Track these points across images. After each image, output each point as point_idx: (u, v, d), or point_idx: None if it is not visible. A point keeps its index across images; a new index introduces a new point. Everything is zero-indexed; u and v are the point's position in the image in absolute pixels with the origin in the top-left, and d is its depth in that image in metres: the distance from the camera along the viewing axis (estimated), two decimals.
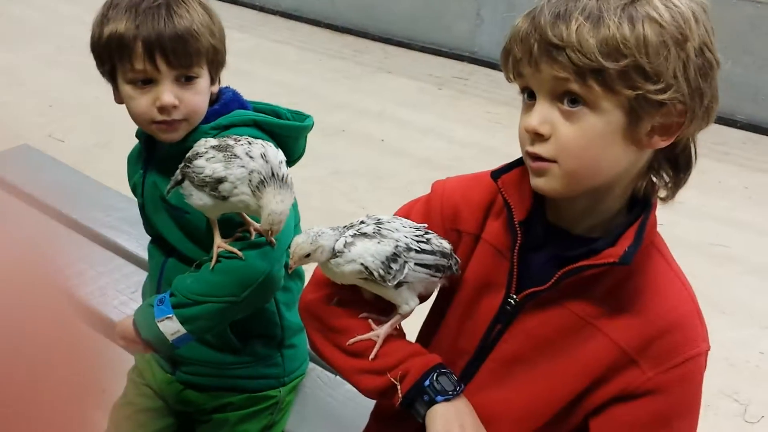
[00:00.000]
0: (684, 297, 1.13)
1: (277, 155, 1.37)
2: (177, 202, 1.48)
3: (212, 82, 1.53)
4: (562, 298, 1.13)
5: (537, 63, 1.03)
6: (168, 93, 1.44)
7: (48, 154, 3.00)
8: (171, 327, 1.46)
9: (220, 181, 1.34)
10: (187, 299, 1.46)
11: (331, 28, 6.54)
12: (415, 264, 1.18)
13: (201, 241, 1.54)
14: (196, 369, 1.68)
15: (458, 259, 1.23)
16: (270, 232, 1.35)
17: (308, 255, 1.18)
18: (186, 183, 1.40)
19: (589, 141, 1.03)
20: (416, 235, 1.19)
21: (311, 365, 1.85)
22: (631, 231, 1.08)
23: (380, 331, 1.22)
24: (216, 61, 1.51)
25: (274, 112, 1.59)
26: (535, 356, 1.16)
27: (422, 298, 1.27)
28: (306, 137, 1.61)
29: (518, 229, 1.15)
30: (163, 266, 1.63)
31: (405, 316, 1.24)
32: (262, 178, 1.33)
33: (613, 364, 1.11)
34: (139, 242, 2.24)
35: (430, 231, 1.23)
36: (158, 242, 1.65)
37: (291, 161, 1.61)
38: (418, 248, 1.18)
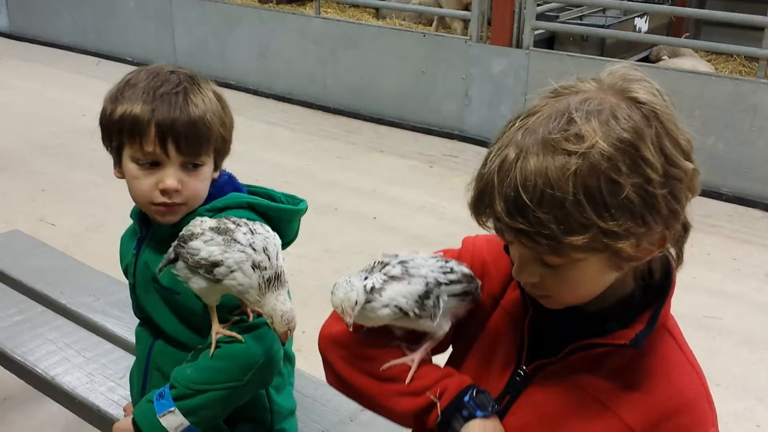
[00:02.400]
0: (694, 381, 1.13)
1: (277, 249, 1.37)
2: (168, 283, 1.48)
3: (215, 168, 1.55)
4: (572, 374, 1.14)
5: (509, 241, 1.07)
6: (172, 177, 1.46)
7: (39, 238, 3.01)
8: (174, 421, 1.43)
9: (216, 264, 1.34)
10: (188, 390, 1.44)
11: (323, 109, 6.67)
12: (448, 296, 1.21)
13: (191, 322, 1.53)
14: None
15: (479, 282, 1.25)
16: (288, 332, 1.36)
17: (356, 302, 1.18)
18: (180, 264, 1.40)
19: (575, 285, 1.08)
20: (440, 267, 1.22)
21: None
22: (646, 315, 1.10)
23: (415, 356, 1.23)
24: (223, 149, 1.54)
25: (269, 195, 1.60)
26: (542, 431, 1.15)
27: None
28: (299, 221, 1.63)
29: (529, 302, 1.18)
30: (151, 350, 1.62)
31: (438, 339, 1.26)
32: (271, 277, 1.34)
33: None
34: (128, 327, 2.23)
35: (448, 258, 1.25)
36: (146, 325, 1.64)
37: (284, 244, 1.62)
38: (446, 280, 1.21)
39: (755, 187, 4.92)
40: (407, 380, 1.21)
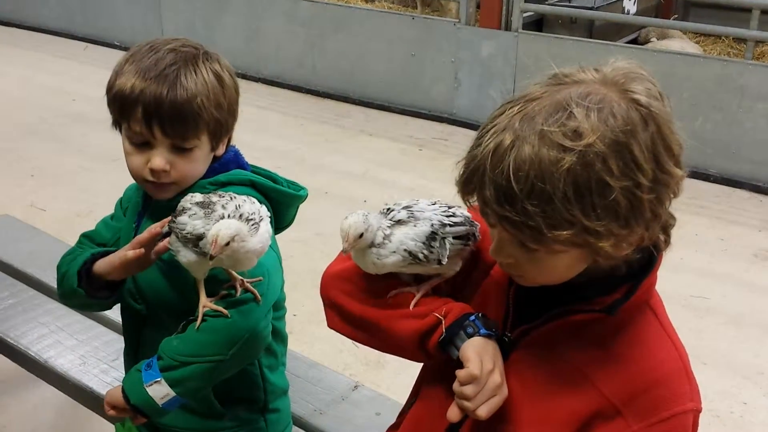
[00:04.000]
0: (673, 356, 1.15)
1: (253, 207, 1.37)
2: (168, 256, 1.49)
3: (213, 148, 1.53)
4: (553, 343, 1.16)
5: (492, 224, 1.09)
6: (160, 158, 1.46)
7: (29, 223, 3.01)
8: (160, 391, 1.45)
9: (200, 237, 1.36)
10: (174, 361, 1.46)
11: (312, 93, 6.66)
12: (453, 238, 1.23)
13: (185, 295, 1.53)
14: None
15: (478, 225, 1.27)
16: (214, 242, 1.30)
17: (361, 235, 1.20)
18: (172, 238, 1.42)
19: (548, 271, 1.10)
20: (443, 211, 1.24)
21: (295, 429, 1.84)
22: (625, 287, 1.12)
23: (420, 287, 1.26)
24: (219, 131, 1.51)
25: (272, 178, 1.61)
26: (523, 397, 1.18)
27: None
28: (297, 207, 1.64)
29: None
30: (140, 333, 1.63)
31: (447, 278, 1.28)
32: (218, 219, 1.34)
33: (599, 414, 1.13)
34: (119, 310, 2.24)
35: (449, 204, 1.27)
36: (136, 305, 1.63)
37: (279, 228, 1.62)
38: (450, 222, 1.23)
39: (743, 168, 4.96)
40: (412, 305, 1.23)
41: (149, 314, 1.61)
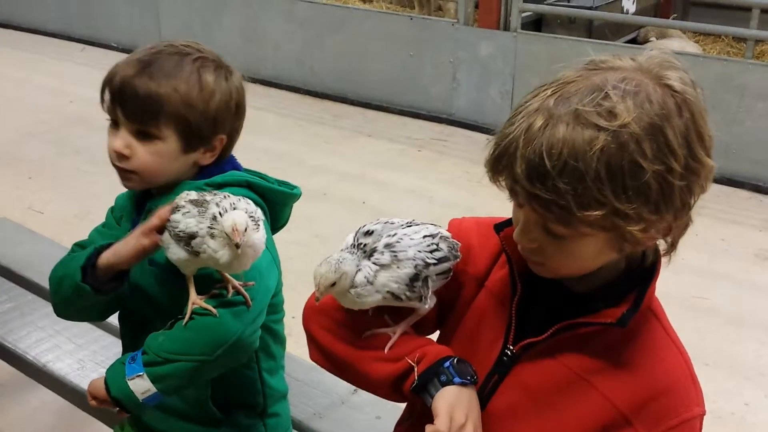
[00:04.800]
0: (679, 362, 1.15)
1: (249, 208, 1.36)
2: (162, 259, 1.48)
3: (186, 151, 1.51)
4: (558, 353, 1.15)
5: (521, 204, 1.07)
6: (119, 140, 1.47)
7: (27, 226, 3.00)
8: (141, 385, 1.44)
9: (193, 236, 1.35)
10: (158, 357, 1.44)
11: (310, 94, 6.65)
12: (436, 275, 1.21)
13: (180, 300, 1.51)
14: None
15: (459, 243, 1.25)
16: (234, 231, 1.30)
17: (333, 284, 1.18)
18: (165, 235, 1.41)
19: (572, 258, 1.08)
20: (428, 245, 1.21)
21: None
22: (632, 296, 1.11)
23: (397, 327, 1.23)
24: (190, 133, 1.49)
25: (263, 179, 1.60)
26: (530, 410, 1.16)
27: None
28: (292, 206, 1.63)
29: (518, 282, 1.18)
30: (136, 343, 1.61)
31: (422, 314, 1.25)
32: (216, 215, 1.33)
33: (608, 423, 1.11)
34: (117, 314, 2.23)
35: (436, 229, 1.24)
36: (133, 314, 1.62)
37: (275, 229, 1.62)
38: (435, 260, 1.20)
39: (743, 168, 4.95)
40: (387, 348, 1.20)
41: (145, 320, 1.60)
